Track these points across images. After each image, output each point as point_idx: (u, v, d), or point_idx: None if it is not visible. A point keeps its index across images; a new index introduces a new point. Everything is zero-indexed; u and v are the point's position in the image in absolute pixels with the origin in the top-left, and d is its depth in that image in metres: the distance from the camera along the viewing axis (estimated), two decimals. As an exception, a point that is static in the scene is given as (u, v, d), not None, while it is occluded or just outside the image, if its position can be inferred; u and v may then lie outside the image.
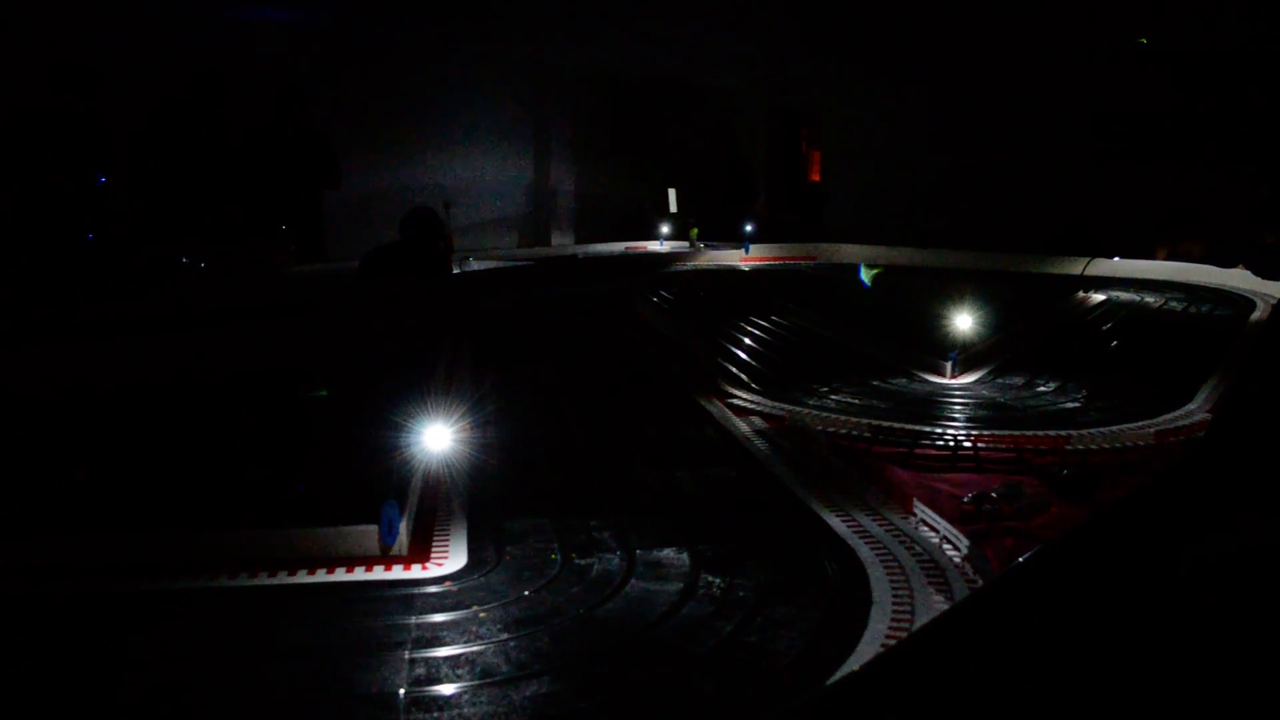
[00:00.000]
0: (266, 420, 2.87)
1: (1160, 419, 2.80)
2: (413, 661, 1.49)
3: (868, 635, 1.57)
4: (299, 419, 2.94)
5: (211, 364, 3.30)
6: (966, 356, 3.56)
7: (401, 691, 1.41)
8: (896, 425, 2.74)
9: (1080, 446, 2.58)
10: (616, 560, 1.86)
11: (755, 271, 6.28)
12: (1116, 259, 5.77)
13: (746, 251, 6.57)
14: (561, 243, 9.20)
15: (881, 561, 1.85)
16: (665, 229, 7.82)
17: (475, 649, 1.53)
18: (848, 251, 6.67)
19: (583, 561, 1.85)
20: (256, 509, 2.04)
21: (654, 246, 7.55)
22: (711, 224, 7.72)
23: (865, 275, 5.70)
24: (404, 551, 1.87)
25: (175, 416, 2.91)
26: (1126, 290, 5.20)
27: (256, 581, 1.77)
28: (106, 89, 6.07)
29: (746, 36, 9.28)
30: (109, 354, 3.24)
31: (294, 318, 3.80)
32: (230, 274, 5.35)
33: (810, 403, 3.03)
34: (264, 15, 7.68)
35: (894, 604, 1.68)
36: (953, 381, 3.41)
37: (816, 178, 10.39)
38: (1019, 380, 3.40)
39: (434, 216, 5.43)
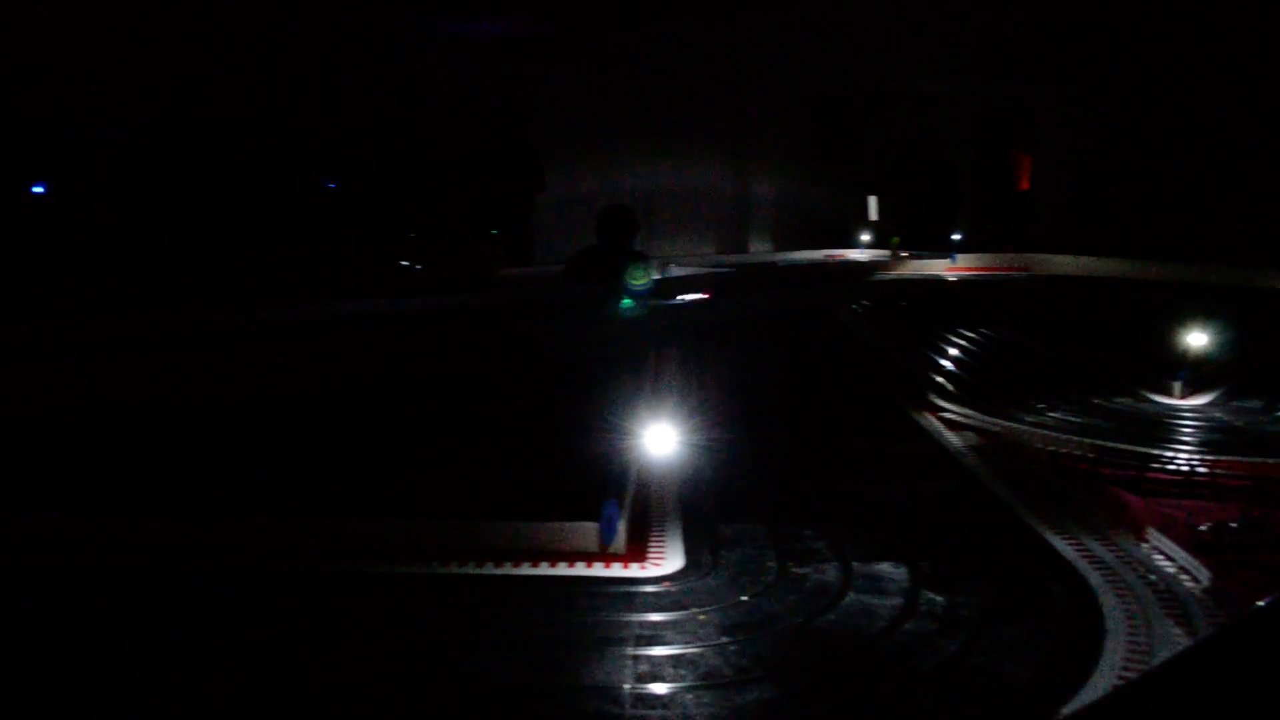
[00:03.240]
0: (489, 417, 2.99)
1: None
2: (635, 658, 1.52)
3: (1102, 666, 1.50)
4: (520, 417, 3.06)
5: (434, 362, 3.47)
6: (1197, 376, 3.35)
7: (626, 687, 1.44)
8: (1123, 446, 2.61)
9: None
10: (833, 571, 1.84)
11: (962, 281, 6.10)
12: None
13: (953, 261, 6.40)
14: (760, 250, 9.20)
15: (1114, 589, 1.76)
16: (865, 237, 7.71)
17: (695, 650, 1.55)
18: (1061, 262, 6.39)
19: (799, 570, 1.84)
20: (481, 502, 2.14)
21: (854, 255, 7.45)
22: (914, 232, 7.55)
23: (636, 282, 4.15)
24: (622, 550, 1.91)
25: (403, 412, 3.08)
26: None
27: (482, 571, 1.84)
28: (330, 100, 6.48)
29: (954, 39, 9.02)
30: (336, 350, 3.45)
31: (511, 318, 3.95)
32: (445, 276, 5.60)
33: (1027, 419, 2.92)
34: (476, 28, 8.00)
35: (1128, 634, 1.60)
36: (1182, 402, 3.21)
37: (1026, 185, 9.99)
38: (1257, 404, 3.17)
39: (627, 214, 5.46)
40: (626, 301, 4.03)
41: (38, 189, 5.62)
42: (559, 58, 8.30)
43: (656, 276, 4.73)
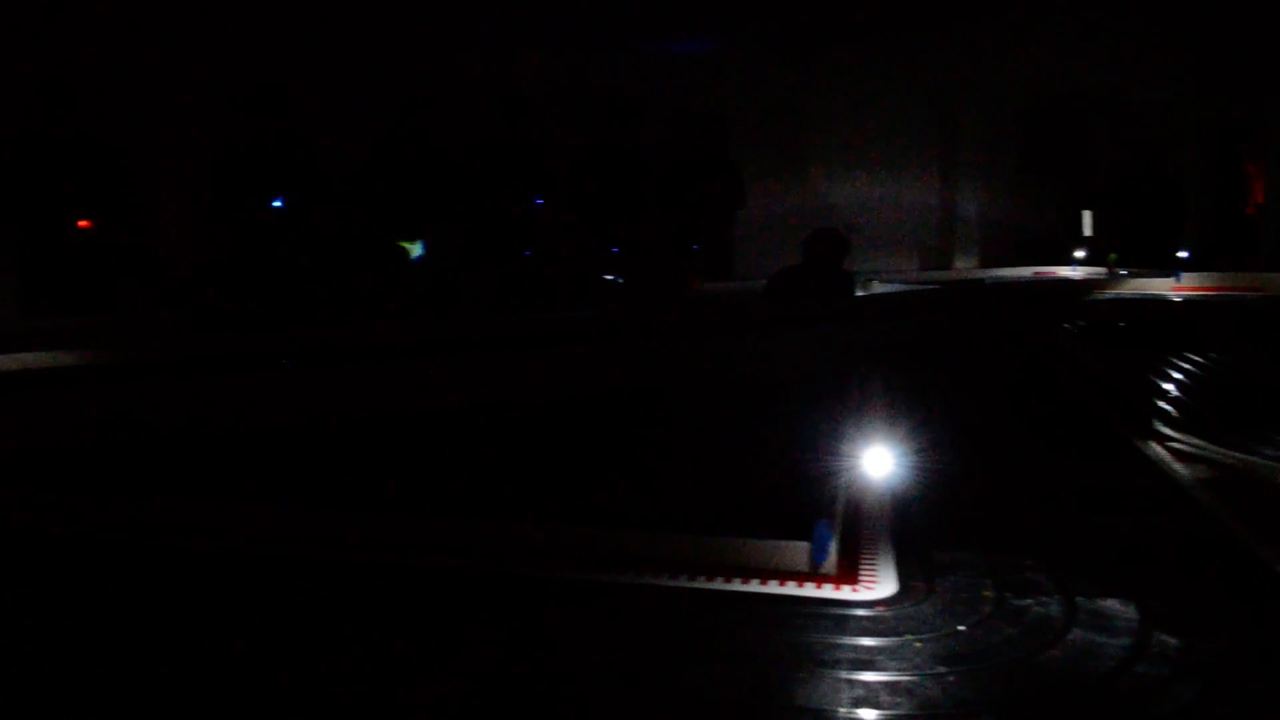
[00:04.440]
0: (697, 432, 3.04)
1: None
2: (850, 682, 1.51)
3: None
4: (727, 433, 3.08)
5: (643, 376, 3.55)
6: None
7: (841, 711, 1.43)
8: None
9: None
10: (1055, 605, 1.77)
11: (1188, 302, 5.74)
12: None
13: (1177, 280, 6.02)
14: (965, 266, 8.93)
15: (1377, 644, 1.62)
16: (1079, 254, 7.36)
17: (911, 678, 1.52)
18: (1301, 284, 5.93)
19: (1018, 602, 1.79)
20: (692, 516, 2.17)
21: (1066, 272, 7.13)
22: (1132, 249, 7.16)
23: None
24: (833, 571, 1.89)
25: (615, 425, 3.17)
26: None
27: (693, 584, 1.87)
28: (541, 119, 6.72)
29: (1180, 43, 8.51)
30: (549, 364, 3.58)
31: (716, 333, 3.99)
32: (647, 291, 5.70)
33: (1266, 452, 2.72)
34: (681, 45, 8.12)
35: (1396, 695, 1.47)
36: None
37: (1260, 199, 9.29)
38: None
39: (838, 239, 5.47)
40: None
41: (276, 204, 6.08)
42: (762, 73, 8.31)
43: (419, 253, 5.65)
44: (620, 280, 5.80)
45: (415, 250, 5.28)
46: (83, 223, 5.72)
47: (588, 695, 1.51)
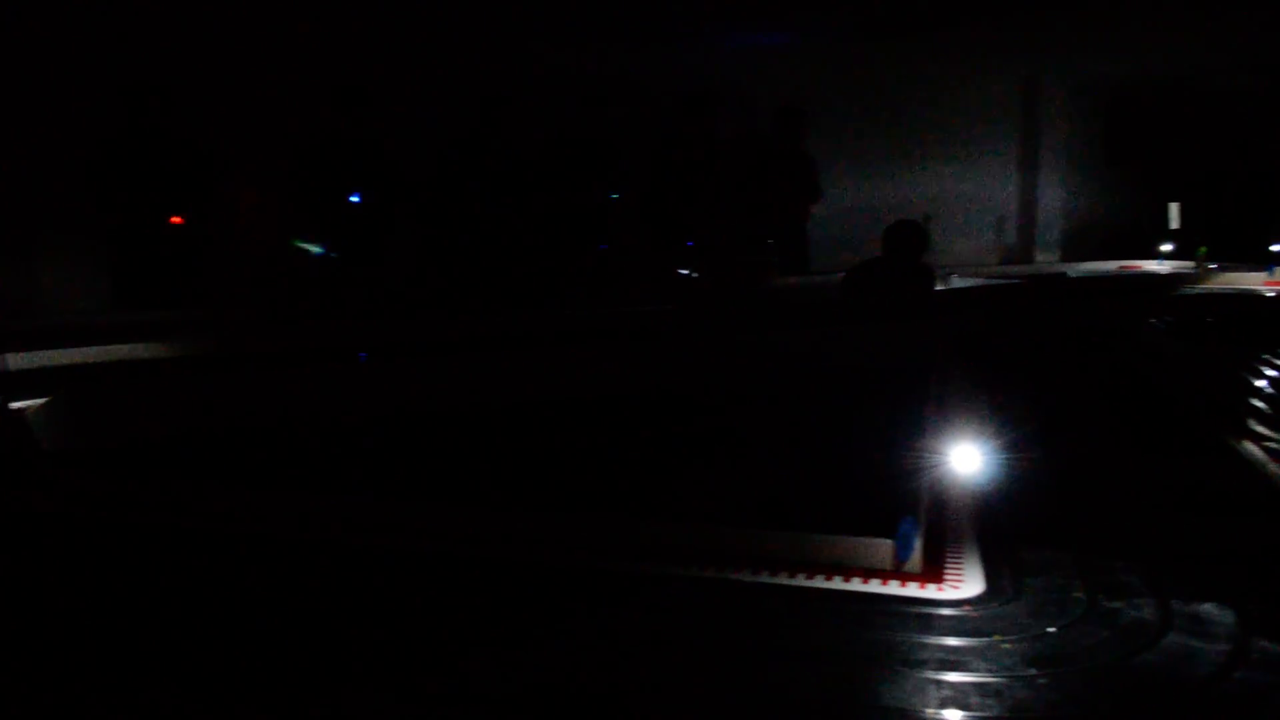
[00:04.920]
0: (777, 427, 3.02)
1: None
2: (937, 683, 1.49)
3: None
4: (808, 428, 3.07)
5: (721, 371, 3.54)
6: None
7: (929, 712, 1.42)
8: None
9: None
10: (1149, 608, 1.73)
11: (1283, 297, 5.55)
12: None
13: (1271, 274, 5.83)
14: (1046, 260, 8.74)
15: None
16: (1166, 247, 7.16)
17: (1001, 680, 1.50)
18: (1406, 278, 5.69)
19: (1110, 604, 1.74)
20: (774, 510, 2.16)
21: (1152, 266, 6.94)
22: (1223, 242, 6.94)
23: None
24: (917, 569, 1.87)
25: (696, 419, 3.17)
26: None
27: (774, 580, 1.86)
28: (615, 112, 6.74)
29: (1270, 30, 8.22)
30: (628, 357, 3.59)
31: (794, 327, 3.97)
32: (721, 285, 5.69)
33: (1372, 454, 2.62)
34: (757, 38, 8.07)
35: None
36: None
37: (1360, 190, 8.94)
38: None
39: (918, 230, 5.39)
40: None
41: (354, 199, 6.18)
42: (839, 64, 8.23)
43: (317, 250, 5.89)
44: (695, 275, 5.80)
45: (315, 250, 5.49)
46: (175, 219, 5.88)
47: (668, 691, 1.51)
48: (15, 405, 3.08)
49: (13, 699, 1.51)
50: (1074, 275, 6.73)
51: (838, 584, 1.84)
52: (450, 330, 3.97)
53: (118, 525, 2.31)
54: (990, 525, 2.10)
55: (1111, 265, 7.17)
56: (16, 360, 3.82)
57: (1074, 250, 8.86)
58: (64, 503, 2.47)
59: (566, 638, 1.69)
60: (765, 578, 1.87)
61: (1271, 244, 6.10)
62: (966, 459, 2.25)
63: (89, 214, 5.98)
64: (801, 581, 1.85)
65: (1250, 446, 2.77)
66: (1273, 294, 5.65)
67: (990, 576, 1.86)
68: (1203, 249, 6.55)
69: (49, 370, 3.79)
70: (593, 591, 1.88)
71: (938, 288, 5.54)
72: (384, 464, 2.86)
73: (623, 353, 3.61)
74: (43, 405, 3.07)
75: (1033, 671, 1.52)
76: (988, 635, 1.64)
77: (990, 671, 1.52)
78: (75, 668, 1.61)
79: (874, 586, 1.83)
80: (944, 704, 1.43)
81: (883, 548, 1.88)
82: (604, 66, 7.19)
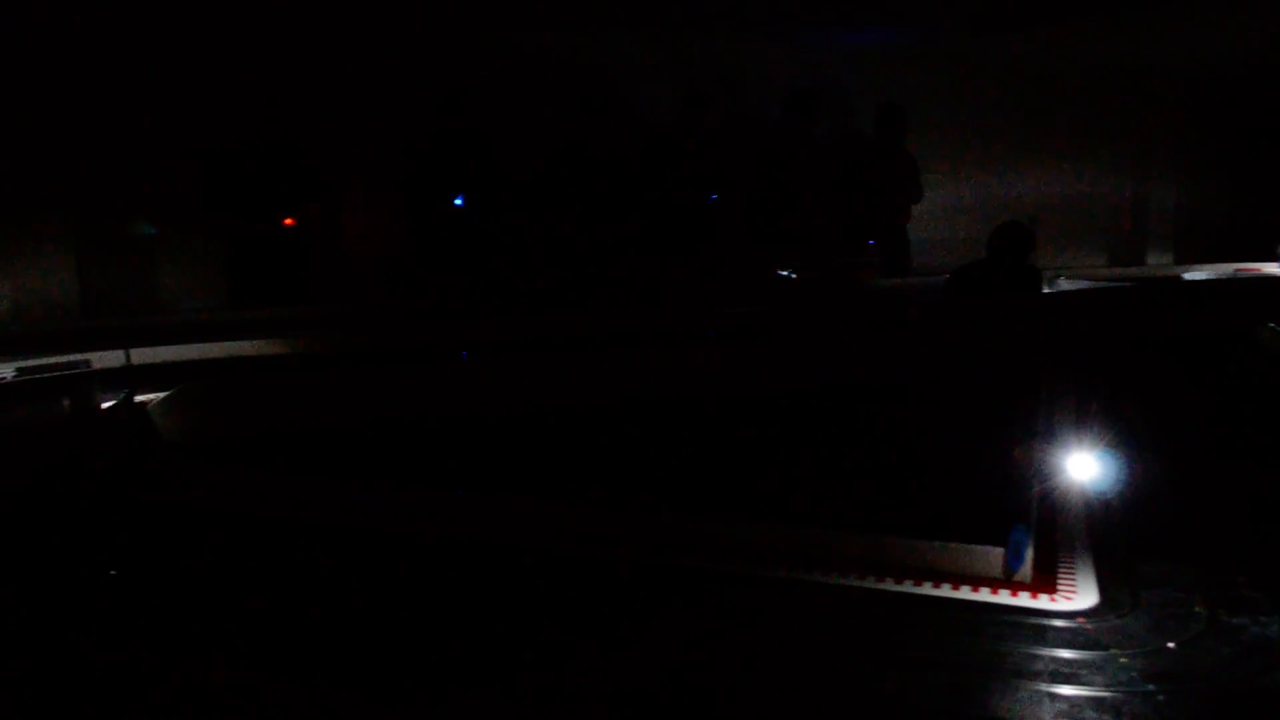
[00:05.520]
0: (884, 431, 2.99)
1: None
2: (1052, 696, 1.46)
3: None
4: (915, 433, 3.03)
5: (827, 373, 3.52)
6: None
7: (1044, 725, 1.39)
8: None
9: None
10: (1275, 626, 1.66)
11: None
12: None
13: (1404, 277, 5.55)
14: (1158, 263, 8.46)
15: None
16: (1289, 249, 6.86)
17: (1118, 695, 1.46)
18: None
19: (1232, 621, 1.69)
20: (881, 515, 2.14)
21: (1272, 269, 6.67)
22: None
23: None
24: (1028, 579, 1.83)
25: (801, 422, 3.15)
26: None
27: (881, 586, 1.84)
28: (716, 113, 6.73)
29: None
30: (731, 358, 3.58)
31: (899, 330, 3.92)
32: (821, 287, 5.64)
33: None
34: (858, 37, 7.97)
35: None
36: None
37: None
38: None
39: (1024, 231, 5.26)
40: None
41: (458, 202, 6.30)
42: (942, 61, 8.08)
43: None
44: (793, 276, 5.76)
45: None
46: (286, 220, 6.08)
47: (776, 694, 1.51)
48: (138, 399, 3.22)
49: (146, 687, 1.58)
50: (1188, 278, 6.50)
51: (945, 591, 1.82)
52: (553, 329, 4.02)
53: (237, 516, 2.40)
54: (1104, 535, 2.05)
55: (1228, 268, 6.90)
56: (139, 355, 3.98)
57: (1188, 252, 8.55)
58: (183, 494, 2.57)
59: (673, 638, 1.70)
60: (871, 583, 1.85)
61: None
62: (1079, 466, 2.20)
63: (205, 217, 6.22)
64: (908, 588, 1.83)
65: (1383, 459, 2.65)
66: (1405, 298, 5.38)
67: (1105, 588, 1.81)
68: (1327, 251, 6.28)
69: (169, 366, 3.94)
70: (701, 593, 1.88)
71: (1045, 290, 5.40)
72: (491, 459, 2.90)
73: (727, 352, 3.60)
74: (163, 399, 3.20)
75: (1151, 688, 1.48)
76: (1104, 649, 1.60)
77: (1107, 686, 1.49)
78: (217, 660, 1.68)
79: (983, 595, 1.80)
80: (1059, 718, 1.41)
81: (992, 556, 1.85)
82: (705, 65, 7.19)
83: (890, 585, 1.84)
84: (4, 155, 5.90)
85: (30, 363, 3.77)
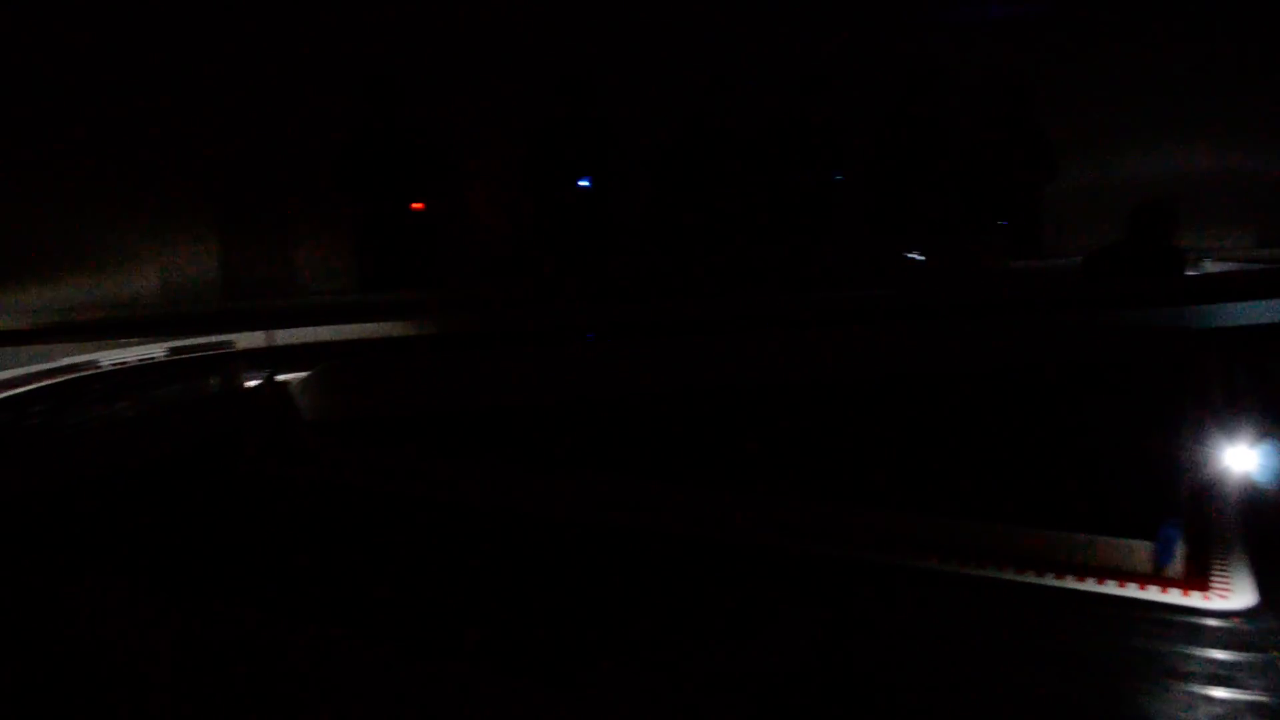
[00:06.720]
0: (1026, 418, 2.91)
1: None
2: (1206, 699, 1.41)
3: None
4: (1061, 420, 2.95)
5: (966, 358, 3.43)
6: None
7: (1200, 728, 1.34)
8: None
9: None
10: None
11: None
12: None
13: None
14: (1312, 243, 7.99)
15: None
16: None
17: (1277, 701, 1.40)
18: None
19: (1407, 625, 1.59)
20: (1025, 506, 2.08)
21: None
22: None
23: None
24: (1179, 575, 1.76)
25: (938, 409, 3.09)
26: None
27: (1021, 578, 1.79)
28: (838, 95, 6.61)
29: None
30: (862, 342, 3.53)
31: (1033, 315, 3.80)
32: (950, 269, 5.51)
33: None
34: (987, 11, 7.74)
35: None
36: None
37: None
38: None
39: (1167, 211, 5.02)
40: None
41: (584, 183, 6.34)
42: (1077, 35, 7.77)
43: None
44: (922, 258, 5.63)
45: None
46: (416, 205, 6.22)
47: (917, 688, 1.49)
48: (279, 378, 3.35)
49: (296, 667, 1.65)
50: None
51: (1092, 586, 1.76)
52: (681, 312, 4.02)
53: (376, 494, 2.47)
54: (1262, 531, 1.95)
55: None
56: (280, 336, 4.14)
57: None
58: (324, 472, 2.66)
59: (813, 627, 1.69)
60: (1011, 575, 1.80)
61: None
62: (1235, 458, 2.10)
63: (338, 202, 6.42)
64: (1053, 581, 1.78)
65: None
66: None
67: (1264, 587, 1.73)
68: None
69: (306, 346, 4.08)
70: (843, 582, 1.86)
71: (1189, 273, 5.16)
72: (622, 443, 2.92)
73: (858, 336, 3.54)
74: (304, 378, 3.31)
75: (1317, 694, 1.41)
76: (1263, 651, 1.53)
77: (1267, 690, 1.42)
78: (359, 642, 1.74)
79: (1132, 591, 1.74)
80: (1216, 721, 1.35)
81: (1142, 550, 1.78)
82: (828, 45, 7.07)
83: (1031, 578, 1.79)
84: (153, 145, 6.20)
85: (179, 343, 3.97)
